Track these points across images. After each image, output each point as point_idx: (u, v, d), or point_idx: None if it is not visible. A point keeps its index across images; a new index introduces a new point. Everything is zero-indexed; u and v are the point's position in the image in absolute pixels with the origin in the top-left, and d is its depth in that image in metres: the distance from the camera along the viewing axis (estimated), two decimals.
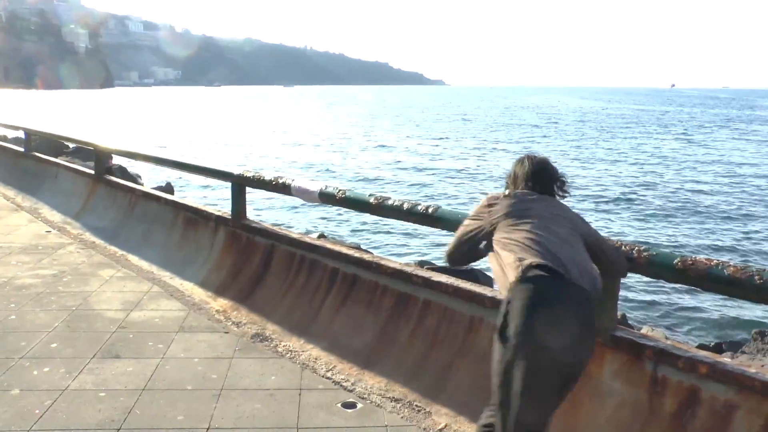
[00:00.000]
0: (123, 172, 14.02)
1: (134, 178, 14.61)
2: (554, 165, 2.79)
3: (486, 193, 2.76)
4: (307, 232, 10.32)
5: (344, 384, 3.66)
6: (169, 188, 15.89)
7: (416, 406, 3.37)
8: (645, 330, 7.86)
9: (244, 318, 4.64)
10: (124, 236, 6.67)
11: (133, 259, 6.13)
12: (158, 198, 6.73)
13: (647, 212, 20.00)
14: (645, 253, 2.79)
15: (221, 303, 4.93)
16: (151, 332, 4.38)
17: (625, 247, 2.85)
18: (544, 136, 50.66)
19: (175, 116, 72.61)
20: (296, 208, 18.94)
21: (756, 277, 2.48)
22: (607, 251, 2.67)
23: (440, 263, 11.34)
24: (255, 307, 4.74)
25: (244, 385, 3.64)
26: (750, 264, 2.72)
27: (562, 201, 2.73)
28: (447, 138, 47.33)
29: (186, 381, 3.66)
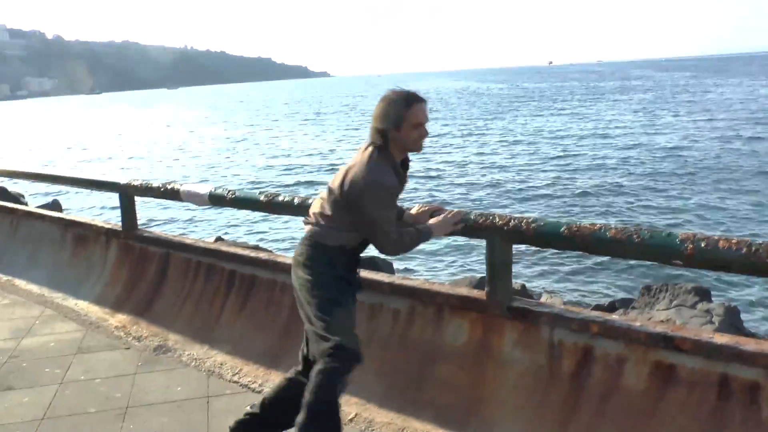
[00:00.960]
0: (3, 193, 13.19)
1: (16, 198, 13.77)
2: None
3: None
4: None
5: (252, 386, 3.62)
6: (56, 206, 15.10)
7: None
8: (544, 298, 8.21)
9: (145, 331, 4.49)
10: (8, 260, 6.28)
11: (21, 283, 5.79)
12: (43, 216, 6.39)
13: (543, 191, 20.73)
14: (533, 225, 2.91)
15: (119, 318, 4.75)
16: (46, 358, 4.17)
17: (513, 221, 2.96)
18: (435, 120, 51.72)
19: (54, 130, 68.84)
20: (211, 217, 18.36)
21: (635, 236, 2.64)
22: None
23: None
24: (155, 318, 4.59)
25: (150, 400, 3.53)
26: (628, 225, 2.89)
27: None
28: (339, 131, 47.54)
29: (88, 404, 3.51)
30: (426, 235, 2.80)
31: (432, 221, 2.91)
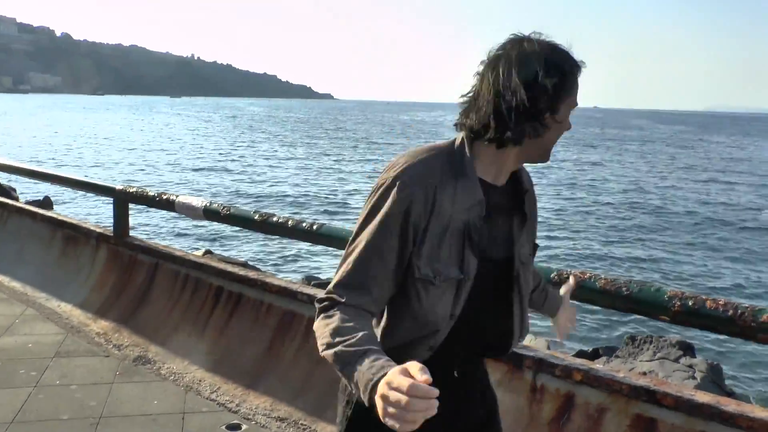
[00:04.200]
0: None
1: (8, 192, 13.71)
2: None
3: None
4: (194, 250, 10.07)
5: (229, 405, 3.59)
6: (47, 203, 15.04)
7: (302, 424, 3.35)
8: (527, 340, 8.21)
9: (127, 340, 4.45)
10: None
11: (4, 279, 5.75)
12: (34, 214, 6.36)
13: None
14: None
15: (102, 325, 4.71)
16: (22, 359, 4.12)
17: None
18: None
19: (55, 127, 68.90)
20: (196, 225, 18.37)
21: (624, 288, 2.66)
22: None
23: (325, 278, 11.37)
24: (138, 328, 4.56)
25: (125, 411, 3.49)
26: (618, 277, 2.91)
27: None
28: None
29: (61, 410, 3.47)
30: (356, 373, 1.29)
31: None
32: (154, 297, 4.72)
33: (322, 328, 1.43)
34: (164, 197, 4.74)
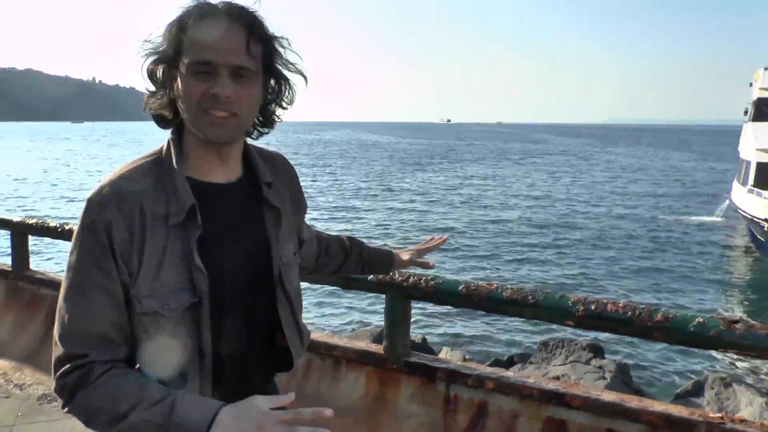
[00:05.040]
0: None
1: None
2: None
3: None
4: None
5: None
6: None
7: None
8: (444, 352, 8.33)
9: (29, 378, 4.22)
10: None
11: None
12: None
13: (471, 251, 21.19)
14: (432, 282, 2.98)
15: (1, 365, 4.45)
16: None
17: (412, 277, 3.01)
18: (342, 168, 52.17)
19: None
20: None
21: (530, 297, 2.75)
22: None
23: None
24: (42, 364, 4.33)
25: None
26: (524, 286, 3.00)
27: None
28: None
29: None
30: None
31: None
32: None
33: (86, 397, 1.22)
34: (67, 227, 4.54)
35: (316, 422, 1.15)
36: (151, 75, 1.35)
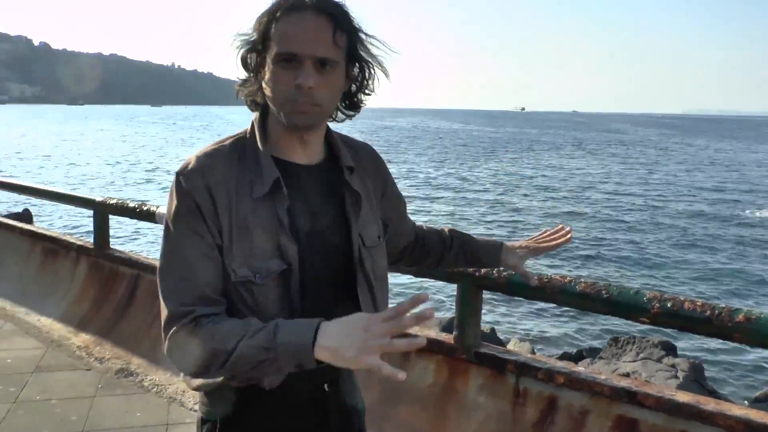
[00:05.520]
0: None
1: None
2: None
3: None
4: None
5: None
6: (27, 216, 14.88)
7: None
8: (512, 343, 8.24)
9: (108, 353, 4.42)
10: None
11: None
12: (12, 227, 6.29)
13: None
14: (504, 273, 2.94)
15: (83, 338, 4.67)
16: (1, 375, 4.07)
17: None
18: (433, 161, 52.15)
19: (32, 138, 68.26)
20: None
21: (603, 292, 2.68)
22: None
23: None
24: (120, 340, 4.52)
25: (108, 424, 3.46)
26: (597, 281, 2.93)
27: None
28: None
29: (41, 426, 3.43)
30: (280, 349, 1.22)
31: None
32: (136, 308, 4.68)
33: (197, 345, 1.28)
34: (144, 208, 4.71)
35: (420, 320, 1.15)
36: (244, 62, 1.44)
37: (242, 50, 1.42)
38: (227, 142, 1.45)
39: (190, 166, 1.37)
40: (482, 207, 26.44)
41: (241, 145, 1.44)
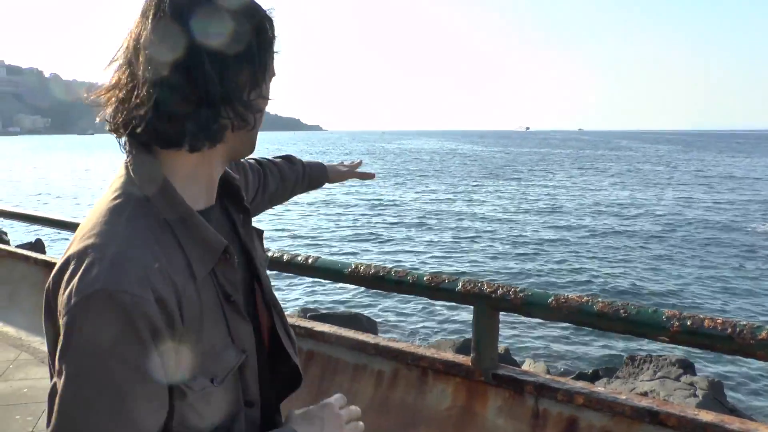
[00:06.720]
0: None
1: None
2: None
3: None
4: None
5: None
6: (39, 246, 14.97)
7: None
8: (527, 364, 8.18)
9: None
10: None
11: None
12: (27, 257, 6.32)
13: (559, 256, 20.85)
14: (521, 294, 2.92)
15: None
16: (17, 404, 4.07)
17: (501, 289, 2.97)
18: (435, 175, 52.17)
19: (43, 168, 68.85)
20: None
21: (621, 311, 2.66)
22: None
23: (323, 309, 11.36)
24: None
25: None
26: (615, 300, 2.91)
27: None
28: None
29: None
30: None
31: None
32: None
33: None
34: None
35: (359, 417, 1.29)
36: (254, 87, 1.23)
37: (267, 80, 1.15)
38: (131, 214, 1.01)
39: (125, 273, 0.92)
40: (493, 226, 26.37)
41: (149, 211, 1.03)
